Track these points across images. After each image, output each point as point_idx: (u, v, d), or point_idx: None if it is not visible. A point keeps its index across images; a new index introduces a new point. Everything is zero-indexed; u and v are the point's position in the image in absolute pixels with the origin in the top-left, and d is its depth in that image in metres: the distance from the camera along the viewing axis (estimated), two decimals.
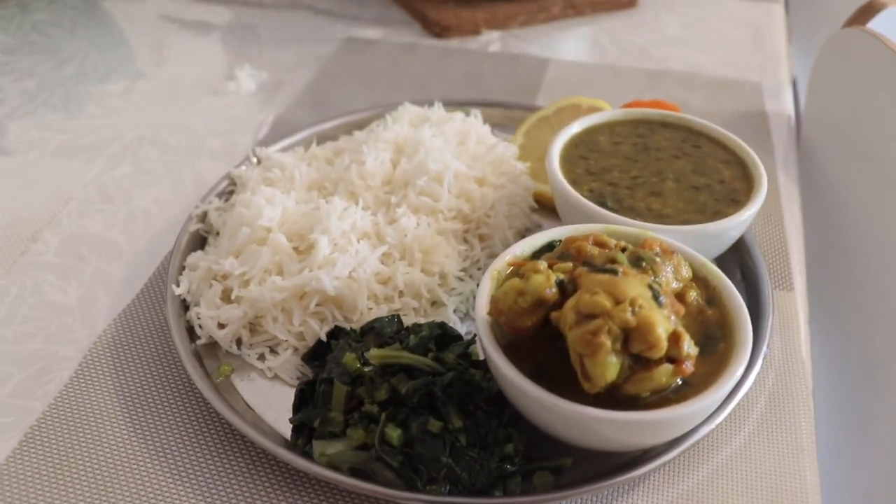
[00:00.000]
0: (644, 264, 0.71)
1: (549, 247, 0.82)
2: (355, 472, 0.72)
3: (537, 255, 0.81)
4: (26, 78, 1.42)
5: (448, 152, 0.99)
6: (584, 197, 0.89)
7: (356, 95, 1.38)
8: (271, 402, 0.82)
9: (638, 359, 0.64)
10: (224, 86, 1.39)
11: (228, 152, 1.22)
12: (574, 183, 0.92)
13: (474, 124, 1.10)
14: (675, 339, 0.64)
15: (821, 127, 1.25)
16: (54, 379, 0.85)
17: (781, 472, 0.76)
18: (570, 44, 1.57)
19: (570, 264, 0.72)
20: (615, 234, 0.82)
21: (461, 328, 0.90)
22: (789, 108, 1.35)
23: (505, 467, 0.73)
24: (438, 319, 0.89)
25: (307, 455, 0.75)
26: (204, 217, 1.00)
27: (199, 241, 0.99)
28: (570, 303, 0.66)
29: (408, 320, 0.88)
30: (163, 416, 0.81)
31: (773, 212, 1.10)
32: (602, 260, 0.72)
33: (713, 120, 1.29)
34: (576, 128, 1.01)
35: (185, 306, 0.89)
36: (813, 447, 0.79)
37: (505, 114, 1.25)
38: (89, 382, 0.84)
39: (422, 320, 0.89)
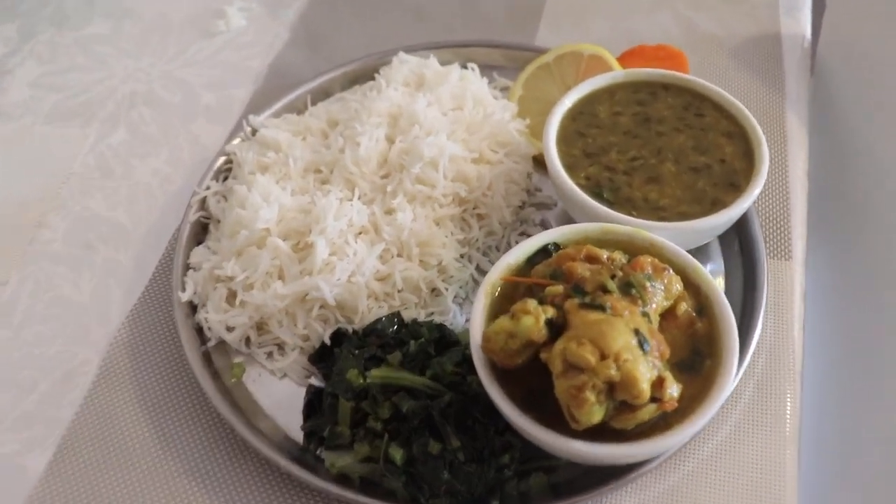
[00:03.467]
0: (634, 291, 0.72)
1: (544, 250, 0.82)
2: (365, 482, 0.79)
3: (531, 260, 0.82)
4: (7, 22, 1.37)
5: (443, 131, 0.97)
6: (581, 186, 0.89)
7: (351, 30, 1.32)
8: (283, 403, 0.87)
9: (623, 402, 0.67)
10: (214, 24, 1.34)
11: (224, 110, 1.20)
12: (571, 168, 0.91)
13: (471, 84, 1.07)
14: (658, 383, 0.67)
15: (839, 55, 1.20)
16: (79, 385, 0.90)
17: (763, 466, 0.81)
18: None
19: (560, 288, 0.74)
20: (610, 233, 0.83)
21: (460, 317, 0.93)
22: (806, 28, 1.27)
23: (502, 473, 0.78)
24: (438, 309, 0.92)
25: (319, 461, 0.81)
26: (203, 203, 1.01)
27: (201, 228, 1.00)
28: (559, 346, 0.68)
29: (408, 313, 0.91)
30: (183, 423, 0.86)
31: (778, 161, 1.07)
32: (592, 286, 0.73)
33: (723, 47, 1.25)
34: (574, 95, 0.97)
35: (192, 306, 0.92)
36: (796, 438, 0.83)
37: (504, 55, 1.20)
38: (111, 388, 0.89)
39: (422, 312, 0.91)
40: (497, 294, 0.79)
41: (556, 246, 0.82)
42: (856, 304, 1.05)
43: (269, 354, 0.90)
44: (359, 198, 0.94)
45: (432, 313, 0.92)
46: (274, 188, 0.94)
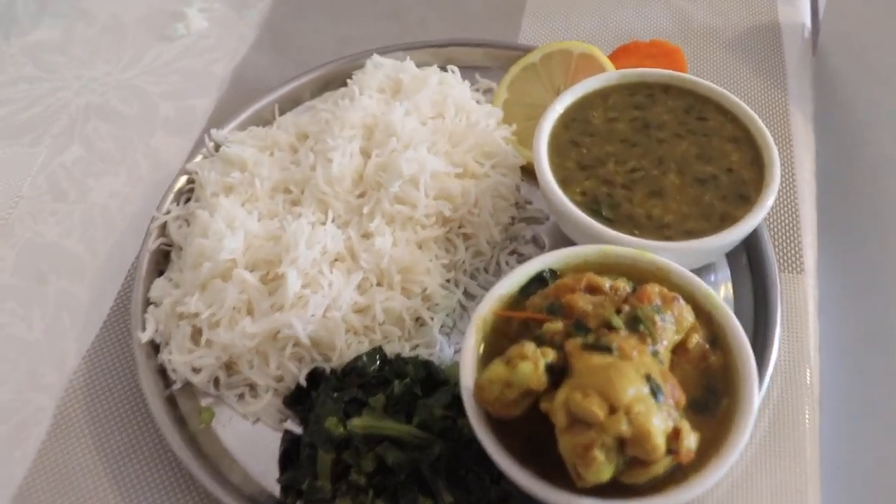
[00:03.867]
0: (642, 327, 0.65)
1: (539, 278, 0.75)
2: None
3: (525, 290, 0.74)
4: None
5: (423, 143, 0.88)
6: (577, 203, 0.81)
7: (320, 30, 1.23)
8: (256, 451, 0.79)
9: (635, 457, 0.60)
10: (172, 28, 1.24)
11: (184, 122, 1.11)
12: (564, 183, 0.83)
13: (452, 89, 0.98)
14: (674, 435, 0.59)
15: (841, 44, 1.12)
16: (32, 435, 0.82)
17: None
18: None
19: (559, 324, 0.66)
20: (610, 256, 0.76)
21: (448, 348, 0.85)
22: (805, 16, 1.20)
23: None
24: (423, 340, 0.84)
25: None
26: (163, 228, 0.92)
27: (162, 256, 0.92)
28: (561, 397, 0.60)
29: (391, 348, 0.83)
30: (148, 476, 0.78)
31: (784, 163, 0.99)
32: (596, 321, 0.66)
33: (718, 40, 1.17)
34: (566, 100, 0.90)
35: (154, 345, 0.84)
36: (817, 470, 0.77)
37: (487, 54, 1.12)
38: (67, 439, 0.81)
39: (406, 346, 0.84)
40: (489, 329, 0.72)
41: (552, 272, 0.75)
42: (870, 315, 0.98)
43: (241, 396, 0.83)
44: (332, 221, 0.86)
45: (417, 346, 0.84)
46: (239, 212, 0.86)
